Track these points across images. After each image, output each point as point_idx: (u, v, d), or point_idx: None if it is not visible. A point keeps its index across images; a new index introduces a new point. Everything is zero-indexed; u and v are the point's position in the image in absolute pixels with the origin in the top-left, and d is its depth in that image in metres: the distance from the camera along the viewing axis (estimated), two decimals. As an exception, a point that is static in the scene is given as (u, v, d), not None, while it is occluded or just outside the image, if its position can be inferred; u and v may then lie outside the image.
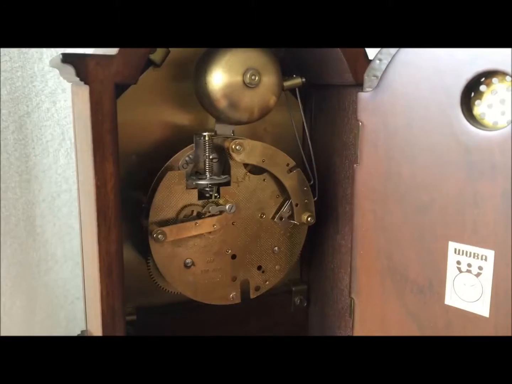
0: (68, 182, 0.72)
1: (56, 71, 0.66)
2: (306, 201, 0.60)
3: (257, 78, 0.52)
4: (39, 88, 0.69)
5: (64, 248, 0.73)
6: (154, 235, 0.53)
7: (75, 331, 0.71)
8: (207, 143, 0.55)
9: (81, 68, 0.43)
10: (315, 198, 0.61)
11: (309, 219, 0.60)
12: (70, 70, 0.44)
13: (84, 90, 0.45)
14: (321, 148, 0.62)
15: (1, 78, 0.66)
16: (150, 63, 0.55)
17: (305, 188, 0.60)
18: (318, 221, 0.61)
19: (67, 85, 0.69)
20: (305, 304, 0.69)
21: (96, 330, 0.52)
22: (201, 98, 0.55)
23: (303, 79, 0.58)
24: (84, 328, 0.67)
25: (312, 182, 0.61)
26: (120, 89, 0.54)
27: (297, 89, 0.58)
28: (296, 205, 0.60)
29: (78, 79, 0.43)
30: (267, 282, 0.62)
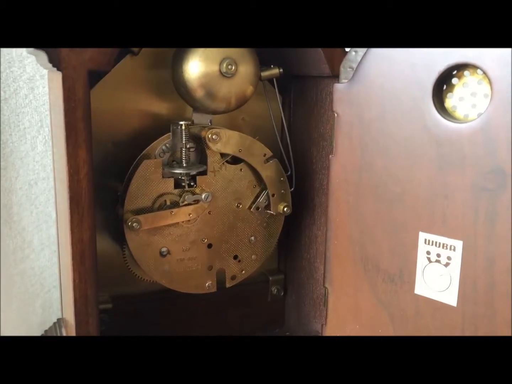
0: (46, 169, 0.71)
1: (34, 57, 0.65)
2: (282, 191, 0.60)
3: (233, 67, 0.52)
4: (17, 74, 0.68)
5: (41, 237, 0.72)
6: (129, 223, 0.53)
7: (51, 319, 0.71)
8: (184, 132, 0.55)
9: (54, 54, 0.43)
10: (292, 189, 0.61)
11: (285, 209, 0.60)
12: (43, 56, 0.43)
13: (58, 76, 0.44)
14: (298, 138, 0.63)
15: (-23, 63, 0.65)
16: (127, 51, 0.55)
17: (281, 179, 0.60)
18: (294, 211, 0.62)
19: (46, 71, 0.68)
20: (282, 294, 0.70)
21: (70, 317, 0.52)
22: (178, 87, 0.55)
23: (281, 70, 0.58)
24: (60, 316, 0.67)
25: (289, 172, 0.61)
26: (97, 77, 0.54)
27: (274, 80, 0.59)
28: (273, 195, 0.60)
29: (51, 65, 0.43)
30: (243, 272, 0.62)
